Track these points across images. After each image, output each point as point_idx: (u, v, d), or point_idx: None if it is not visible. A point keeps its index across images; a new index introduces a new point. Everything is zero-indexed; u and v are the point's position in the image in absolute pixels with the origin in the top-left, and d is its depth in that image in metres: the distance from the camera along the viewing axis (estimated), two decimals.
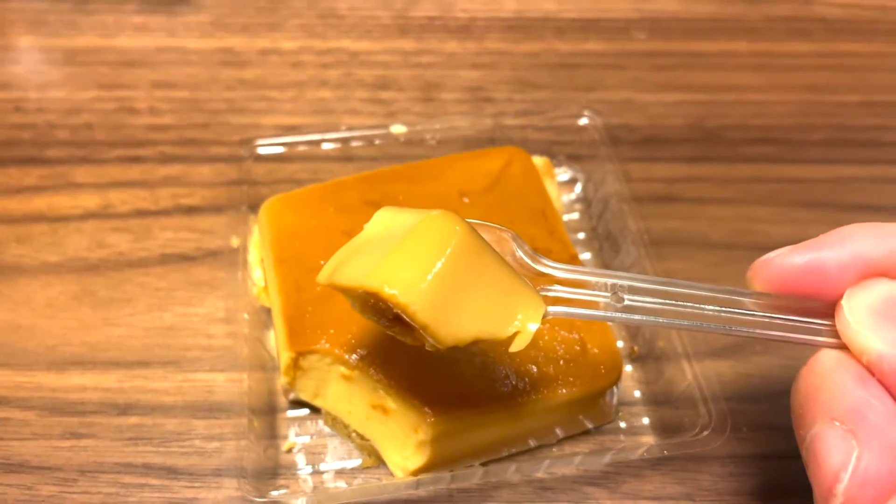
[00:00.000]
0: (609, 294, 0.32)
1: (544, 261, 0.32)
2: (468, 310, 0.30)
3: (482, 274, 0.30)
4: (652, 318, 0.31)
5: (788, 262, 0.31)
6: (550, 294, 0.32)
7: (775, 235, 0.51)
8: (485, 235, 0.32)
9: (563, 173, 0.53)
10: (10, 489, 0.40)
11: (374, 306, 0.32)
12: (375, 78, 0.60)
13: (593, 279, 0.32)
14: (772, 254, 0.32)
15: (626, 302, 0.31)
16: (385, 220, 0.33)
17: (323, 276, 0.33)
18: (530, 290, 0.31)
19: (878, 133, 0.58)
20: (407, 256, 0.30)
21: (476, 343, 0.31)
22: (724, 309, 0.31)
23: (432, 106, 0.58)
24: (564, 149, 0.53)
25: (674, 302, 0.31)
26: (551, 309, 0.31)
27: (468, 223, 0.31)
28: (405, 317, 0.30)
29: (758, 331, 0.31)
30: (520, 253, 0.32)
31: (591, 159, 0.51)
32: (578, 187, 0.52)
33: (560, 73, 0.61)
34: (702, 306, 0.31)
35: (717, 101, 0.59)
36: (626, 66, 0.62)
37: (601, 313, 0.32)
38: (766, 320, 0.31)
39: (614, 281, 0.32)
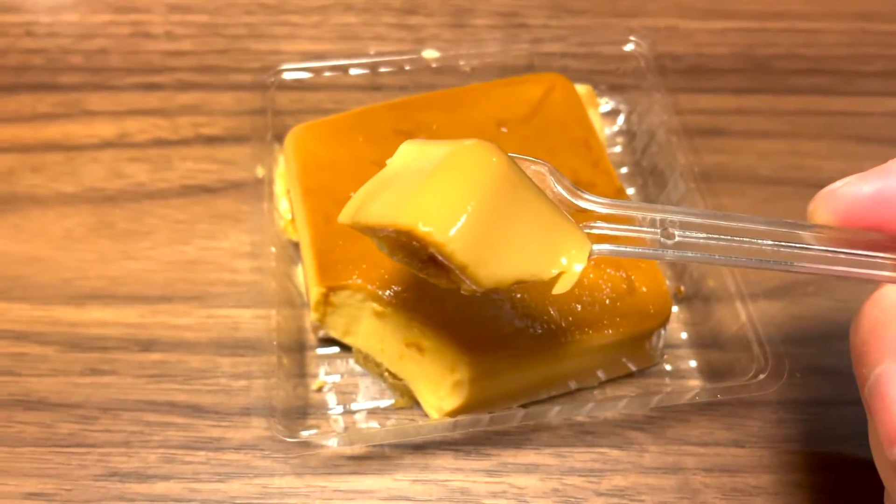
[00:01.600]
0: (659, 230, 0.29)
1: (586, 195, 0.30)
2: (509, 249, 0.27)
3: (523, 209, 0.28)
4: (706, 256, 0.29)
5: (856, 191, 0.28)
6: (595, 231, 0.29)
7: (827, 171, 0.49)
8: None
9: (605, 104, 0.50)
10: (29, 427, 0.39)
11: (406, 246, 0.29)
12: (403, 2, 0.57)
13: (640, 214, 0.30)
14: (838, 183, 0.29)
15: (678, 238, 0.29)
16: (412, 153, 0.30)
17: (346, 216, 0.30)
18: (574, 227, 0.29)
19: None
20: (441, 190, 0.27)
21: (517, 285, 0.28)
22: (782, 243, 0.29)
23: (463, 32, 0.55)
24: (606, 78, 0.50)
25: (729, 237, 0.29)
26: (596, 248, 0.29)
27: (504, 153, 0.28)
28: (440, 257, 0.27)
29: (821, 266, 0.29)
30: (558, 188, 0.30)
31: (636, 89, 0.48)
32: (621, 119, 0.50)
33: None
34: (759, 241, 0.29)
35: (765, 29, 0.56)
36: None
37: (651, 251, 0.29)
38: (829, 255, 0.29)
39: (664, 216, 0.29)
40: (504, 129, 0.42)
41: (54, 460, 0.38)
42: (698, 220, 0.29)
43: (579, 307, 0.36)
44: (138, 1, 0.56)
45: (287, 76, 0.46)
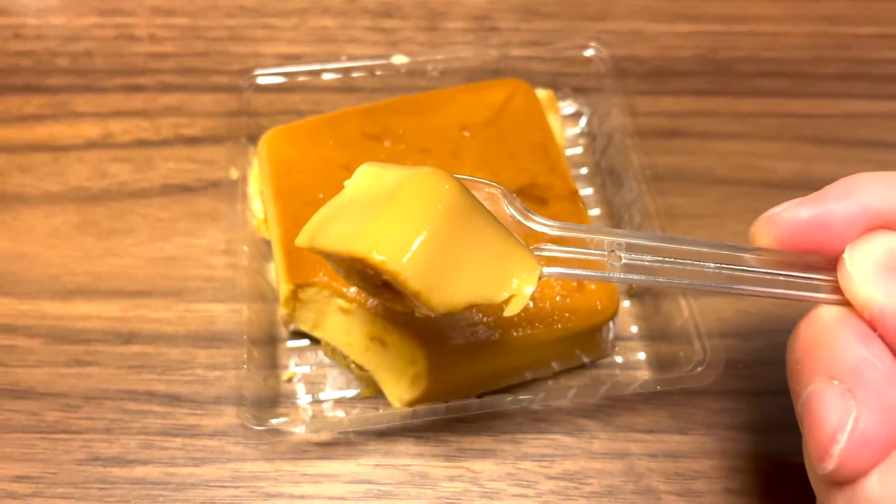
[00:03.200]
0: (606, 252, 0.31)
1: (537, 218, 0.31)
2: (461, 274, 0.29)
3: (475, 235, 0.29)
4: (651, 278, 0.30)
5: (794, 215, 0.30)
6: (545, 254, 0.31)
7: (781, 171, 0.51)
8: (473, 192, 0.30)
9: (569, 106, 0.52)
10: (17, 414, 0.41)
11: (361, 272, 0.30)
12: (378, 5, 0.59)
13: (589, 237, 0.31)
14: (777, 209, 0.30)
15: (625, 261, 0.30)
16: (369, 177, 0.31)
17: (303, 239, 0.31)
18: (525, 250, 0.30)
19: (894, 67, 0.56)
20: (395, 218, 0.28)
21: (470, 307, 0.30)
22: (724, 266, 0.30)
23: (436, 35, 0.57)
24: (570, 81, 0.52)
25: (673, 259, 0.30)
26: (546, 270, 0.30)
27: (458, 180, 0.30)
28: (395, 284, 0.29)
29: (759, 288, 0.30)
30: (511, 210, 0.31)
31: (597, 92, 0.50)
32: (583, 121, 0.52)
33: (568, 2, 0.59)
34: (702, 263, 0.30)
35: (730, 32, 0.58)
36: None
37: (598, 273, 0.31)
38: (768, 277, 0.30)
39: (611, 238, 0.31)
40: (467, 133, 0.45)
41: (40, 446, 0.40)
42: (645, 243, 0.31)
43: (531, 304, 0.39)
44: (123, 4, 0.58)
45: (262, 80, 0.48)
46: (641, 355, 0.43)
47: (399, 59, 0.49)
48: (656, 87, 0.55)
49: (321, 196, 0.42)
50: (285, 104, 0.51)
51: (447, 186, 0.29)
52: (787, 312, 0.45)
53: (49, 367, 0.42)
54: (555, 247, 0.31)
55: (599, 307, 0.39)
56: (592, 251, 0.31)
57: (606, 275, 0.31)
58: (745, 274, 0.30)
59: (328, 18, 0.58)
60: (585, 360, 0.43)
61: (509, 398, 0.39)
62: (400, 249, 0.28)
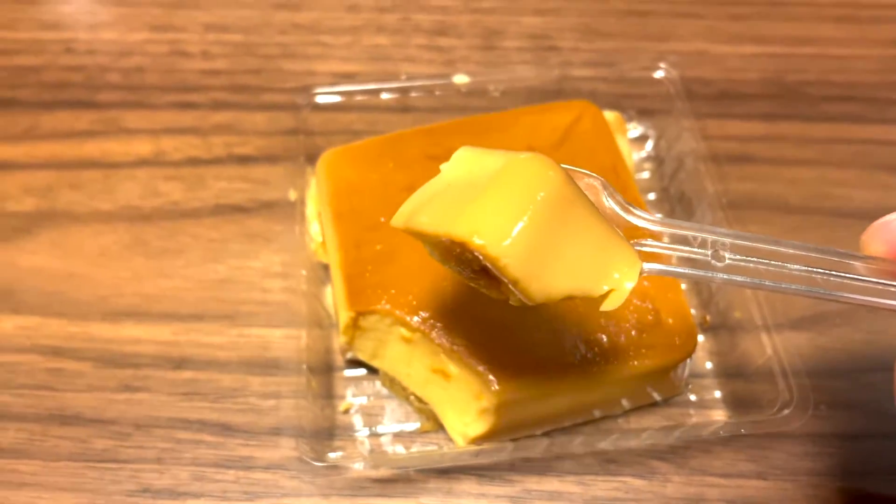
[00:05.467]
0: (709, 251, 0.29)
1: (637, 212, 0.30)
2: (561, 264, 0.27)
3: (576, 225, 0.28)
4: (756, 281, 0.29)
5: None
6: (645, 249, 0.29)
7: (857, 200, 0.48)
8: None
9: (634, 129, 0.50)
10: (64, 441, 0.40)
11: (458, 256, 0.29)
12: (433, 23, 0.57)
13: (692, 234, 0.29)
14: (891, 216, 0.29)
15: (728, 261, 0.29)
16: (467, 161, 0.30)
17: (399, 220, 0.30)
18: (626, 244, 0.29)
19: None
20: (496, 203, 0.27)
21: (567, 300, 0.28)
22: (833, 273, 0.28)
23: (493, 54, 0.56)
24: (635, 103, 0.50)
25: (780, 263, 0.29)
26: (647, 266, 0.29)
27: (561, 167, 0.28)
28: (493, 269, 0.27)
29: (869, 298, 0.28)
30: (610, 203, 0.30)
31: (665, 115, 0.48)
32: (649, 144, 0.50)
33: (630, 21, 0.57)
34: (810, 268, 0.29)
35: (796, 55, 0.56)
36: (701, 14, 0.58)
37: (700, 272, 0.29)
38: (880, 287, 0.28)
39: (715, 237, 0.29)
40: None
41: (88, 475, 0.39)
42: (750, 244, 0.29)
43: (605, 338, 0.37)
44: (175, 20, 0.57)
45: (320, 99, 0.47)
46: (717, 393, 0.41)
47: (460, 79, 0.48)
48: (723, 109, 0.53)
49: (382, 220, 0.40)
50: (340, 123, 0.50)
51: (551, 173, 0.27)
52: (871, 350, 0.43)
53: (98, 391, 0.41)
54: (655, 242, 0.29)
55: (677, 343, 0.37)
56: (695, 249, 0.29)
57: (709, 274, 0.29)
58: (855, 283, 0.28)
59: (383, 37, 0.56)
60: (657, 397, 0.40)
61: (580, 439, 0.37)
62: (501, 234, 0.26)
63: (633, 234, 0.29)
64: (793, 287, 0.29)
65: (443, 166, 0.31)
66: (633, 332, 0.37)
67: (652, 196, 0.48)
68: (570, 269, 0.27)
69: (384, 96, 0.48)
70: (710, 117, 0.51)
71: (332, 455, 0.38)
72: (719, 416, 0.40)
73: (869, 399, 0.41)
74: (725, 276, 0.29)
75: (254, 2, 0.58)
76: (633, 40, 0.56)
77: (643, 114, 0.50)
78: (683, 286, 0.42)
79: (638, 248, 0.29)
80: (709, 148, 0.47)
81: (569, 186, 0.28)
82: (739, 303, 0.41)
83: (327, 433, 0.40)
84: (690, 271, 0.29)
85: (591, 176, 0.30)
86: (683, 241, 0.29)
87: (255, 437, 0.40)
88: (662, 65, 0.48)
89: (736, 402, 0.40)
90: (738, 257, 0.29)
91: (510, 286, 0.28)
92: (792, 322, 0.43)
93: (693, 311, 0.43)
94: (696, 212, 0.44)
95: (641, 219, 0.30)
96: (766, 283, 0.29)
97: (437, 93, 0.48)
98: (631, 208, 0.30)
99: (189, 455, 0.39)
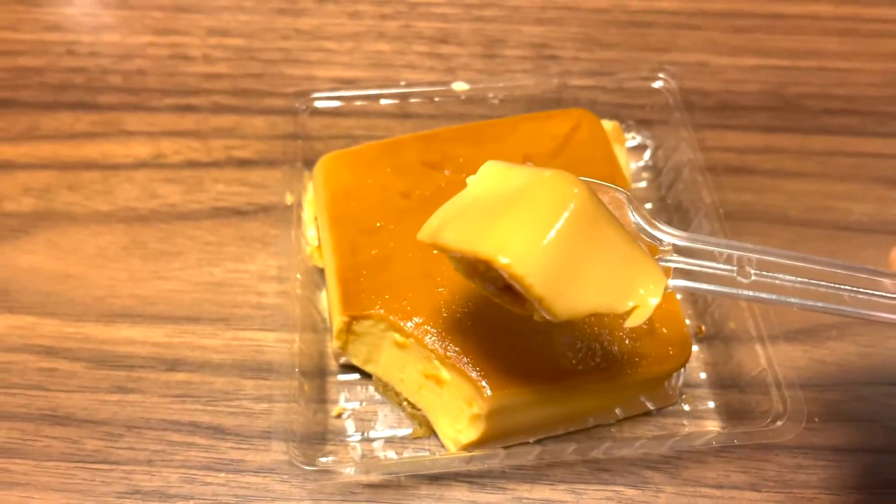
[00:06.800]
0: (735, 268, 0.29)
1: (662, 226, 0.30)
2: (586, 281, 0.28)
3: (601, 241, 0.28)
4: (782, 298, 0.29)
5: None
6: (670, 264, 0.29)
7: (856, 214, 0.48)
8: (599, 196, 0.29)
9: (632, 139, 0.50)
10: (56, 441, 0.39)
11: (483, 273, 0.30)
12: (435, 31, 0.57)
13: (717, 249, 0.29)
14: None
15: (754, 278, 0.29)
16: (493, 175, 0.30)
17: (426, 234, 0.30)
18: (650, 260, 0.29)
19: None
20: (522, 221, 0.28)
21: (591, 317, 0.29)
22: (861, 290, 0.28)
23: (494, 63, 0.56)
24: (634, 113, 0.50)
25: (807, 280, 0.29)
26: (671, 282, 0.29)
27: (586, 183, 0.29)
28: (518, 287, 0.28)
29: None
30: (636, 217, 0.30)
31: (663, 125, 0.48)
32: (647, 154, 0.50)
33: (630, 32, 0.57)
34: (837, 285, 0.28)
35: (797, 68, 0.56)
36: (702, 26, 0.58)
37: (726, 289, 0.29)
38: None
39: (741, 253, 0.29)
40: (530, 164, 0.43)
41: (79, 476, 0.38)
42: (776, 260, 0.29)
43: (600, 346, 0.37)
44: (177, 23, 0.57)
45: (319, 104, 0.47)
46: (710, 404, 0.41)
47: (459, 86, 0.48)
48: (723, 121, 0.53)
49: (378, 224, 0.40)
50: (339, 128, 0.50)
51: (576, 190, 0.28)
52: (866, 363, 0.43)
53: (90, 392, 0.41)
54: (680, 258, 0.30)
55: (672, 352, 0.37)
56: (720, 265, 0.29)
57: (734, 291, 0.29)
58: (885, 301, 0.28)
59: (383, 43, 0.57)
60: (651, 407, 0.40)
61: (573, 447, 0.36)
62: (526, 254, 0.27)
63: (657, 249, 0.30)
64: (819, 305, 0.28)
65: (469, 179, 0.31)
66: (627, 341, 0.37)
67: (649, 206, 0.48)
68: (594, 287, 0.28)
69: (383, 102, 0.48)
70: (708, 128, 0.51)
71: (323, 459, 0.38)
72: (713, 426, 0.40)
73: (863, 412, 0.41)
74: (751, 294, 0.29)
75: (256, 7, 0.58)
76: (634, 51, 0.56)
77: (642, 123, 0.50)
78: (678, 295, 0.42)
79: (662, 263, 0.29)
80: (707, 159, 0.47)
81: (593, 203, 0.28)
82: (734, 314, 0.41)
83: (319, 437, 0.39)
84: (715, 288, 0.29)
85: (617, 190, 0.30)
86: (709, 256, 0.29)
87: (246, 440, 0.40)
88: (662, 75, 0.48)
89: (730, 413, 0.40)
90: (764, 274, 0.29)
91: (535, 304, 0.28)
92: (787, 333, 0.43)
93: (688, 321, 0.43)
94: (692, 222, 0.44)
95: (667, 233, 0.30)
96: (793, 300, 0.29)
97: (437, 99, 0.48)
98: (656, 223, 0.30)
99: (180, 457, 0.39)
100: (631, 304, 0.28)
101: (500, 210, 0.28)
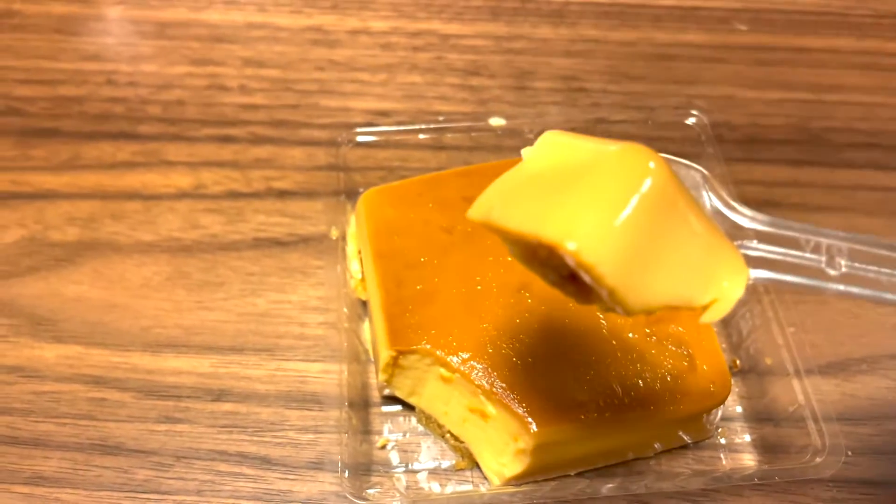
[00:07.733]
0: (823, 258, 0.26)
1: (743, 209, 0.27)
2: (662, 271, 0.24)
3: (679, 226, 0.25)
4: (876, 293, 0.26)
5: None
6: (751, 253, 0.26)
7: None
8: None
9: None
10: (107, 471, 0.40)
11: (544, 259, 0.26)
12: (466, 63, 0.58)
13: (804, 237, 0.27)
14: None
15: (844, 269, 0.26)
16: (553, 149, 0.27)
17: (477, 212, 0.27)
18: (732, 248, 0.26)
19: None
20: (592, 202, 0.24)
21: (664, 309, 0.25)
22: None
23: (524, 95, 0.57)
24: (667, 147, 0.50)
25: None
26: (753, 273, 0.26)
27: (662, 157, 0.25)
28: (585, 277, 0.24)
29: None
30: (712, 198, 0.27)
31: (695, 159, 0.48)
32: None
33: (657, 65, 0.59)
34: None
35: (821, 101, 0.57)
36: (726, 59, 0.59)
37: (813, 282, 0.26)
38: None
39: (830, 241, 0.26)
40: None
41: None
42: (870, 250, 0.26)
43: (642, 382, 0.38)
44: (214, 54, 0.58)
45: (361, 139, 0.48)
46: (747, 437, 0.42)
47: (496, 122, 0.49)
48: (750, 154, 0.54)
49: (422, 259, 0.41)
50: (375, 160, 0.51)
51: (652, 164, 0.24)
52: None
53: (140, 422, 0.42)
54: (763, 245, 0.27)
55: (712, 390, 0.38)
56: (807, 254, 0.26)
57: (822, 284, 0.26)
58: None
59: (416, 75, 0.58)
60: (688, 440, 0.41)
61: (615, 482, 0.37)
62: (598, 239, 0.24)
63: (737, 234, 0.27)
64: None
65: (524, 151, 0.28)
66: (669, 378, 0.38)
67: None
68: (671, 277, 0.25)
69: (421, 137, 0.49)
70: (735, 161, 0.52)
71: (370, 491, 0.39)
72: (749, 459, 0.41)
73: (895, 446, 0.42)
74: (841, 288, 0.26)
75: (290, 38, 0.59)
76: (661, 83, 0.58)
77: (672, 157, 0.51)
78: (715, 329, 0.43)
79: (742, 251, 0.26)
80: (738, 193, 0.48)
81: (671, 182, 0.25)
82: (770, 349, 0.42)
83: (365, 468, 0.40)
84: (801, 280, 0.26)
85: (692, 167, 0.27)
86: (794, 244, 0.27)
87: (293, 470, 0.40)
88: (694, 111, 0.49)
89: (766, 447, 0.41)
90: (856, 265, 0.26)
91: (604, 295, 0.25)
92: (820, 367, 0.44)
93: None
94: None
95: (749, 218, 0.27)
96: (888, 296, 0.26)
97: (473, 133, 0.49)
98: (736, 205, 0.27)
99: (229, 487, 0.40)
100: (709, 298, 0.25)
101: (564, 187, 0.25)
